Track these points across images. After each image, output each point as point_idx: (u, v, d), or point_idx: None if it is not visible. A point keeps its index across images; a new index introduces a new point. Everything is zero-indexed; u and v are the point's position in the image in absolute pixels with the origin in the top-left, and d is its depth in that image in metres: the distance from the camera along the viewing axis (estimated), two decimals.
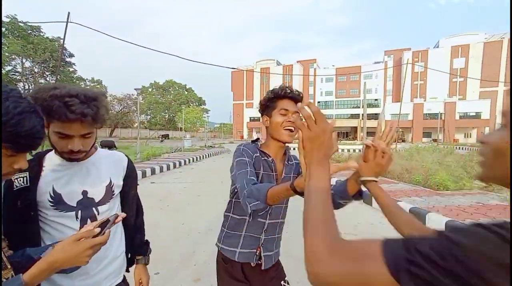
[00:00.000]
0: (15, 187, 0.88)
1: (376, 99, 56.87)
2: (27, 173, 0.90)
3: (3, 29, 21.68)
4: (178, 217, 4.50)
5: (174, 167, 10.62)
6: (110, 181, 1.02)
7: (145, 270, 1.19)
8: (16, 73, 23.88)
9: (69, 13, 9.14)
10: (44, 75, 25.17)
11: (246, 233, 1.17)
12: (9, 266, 0.69)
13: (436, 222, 3.93)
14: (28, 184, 0.89)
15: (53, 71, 23.46)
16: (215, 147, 23.99)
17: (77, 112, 0.81)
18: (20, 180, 0.88)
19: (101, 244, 0.71)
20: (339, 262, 0.38)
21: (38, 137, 0.65)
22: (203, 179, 8.29)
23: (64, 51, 19.42)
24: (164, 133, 40.62)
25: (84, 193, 0.96)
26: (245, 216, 1.16)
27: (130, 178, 1.12)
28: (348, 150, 20.85)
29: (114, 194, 1.03)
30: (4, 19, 21.00)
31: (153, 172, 8.73)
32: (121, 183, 1.07)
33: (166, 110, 53.50)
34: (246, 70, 52.93)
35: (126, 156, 1.15)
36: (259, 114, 1.21)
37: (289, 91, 1.11)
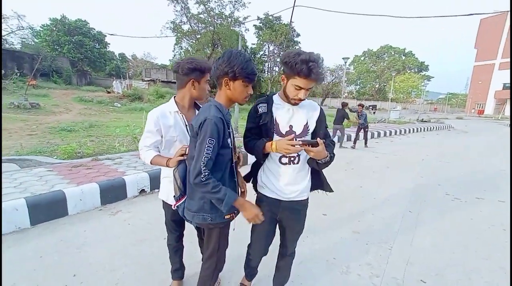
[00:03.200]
0: (259, 111, 1.37)
1: None
2: (266, 103, 1.36)
3: (260, 24, 29.85)
4: (358, 180, 4.67)
5: (372, 137, 10.34)
6: (307, 122, 1.39)
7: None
8: (264, 56, 32.56)
9: None
10: (280, 54, 32.32)
11: None
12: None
13: None
14: (267, 111, 1.36)
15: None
16: (430, 121, 19.79)
17: (315, 74, 1.22)
18: (262, 108, 1.36)
19: (295, 151, 1.20)
20: None
21: (255, 74, 1.25)
22: (399, 153, 7.52)
23: (292, 33, 23.58)
24: (372, 104, 38.65)
25: (290, 126, 1.38)
26: None
27: (320, 121, 1.42)
28: None
29: (309, 131, 1.40)
30: (260, 15, 28.52)
31: (348, 138, 9.11)
32: (314, 125, 1.41)
33: (377, 79, 50.03)
34: None
35: (319, 105, 1.47)
36: None
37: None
